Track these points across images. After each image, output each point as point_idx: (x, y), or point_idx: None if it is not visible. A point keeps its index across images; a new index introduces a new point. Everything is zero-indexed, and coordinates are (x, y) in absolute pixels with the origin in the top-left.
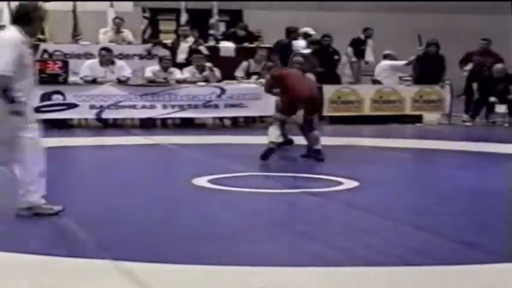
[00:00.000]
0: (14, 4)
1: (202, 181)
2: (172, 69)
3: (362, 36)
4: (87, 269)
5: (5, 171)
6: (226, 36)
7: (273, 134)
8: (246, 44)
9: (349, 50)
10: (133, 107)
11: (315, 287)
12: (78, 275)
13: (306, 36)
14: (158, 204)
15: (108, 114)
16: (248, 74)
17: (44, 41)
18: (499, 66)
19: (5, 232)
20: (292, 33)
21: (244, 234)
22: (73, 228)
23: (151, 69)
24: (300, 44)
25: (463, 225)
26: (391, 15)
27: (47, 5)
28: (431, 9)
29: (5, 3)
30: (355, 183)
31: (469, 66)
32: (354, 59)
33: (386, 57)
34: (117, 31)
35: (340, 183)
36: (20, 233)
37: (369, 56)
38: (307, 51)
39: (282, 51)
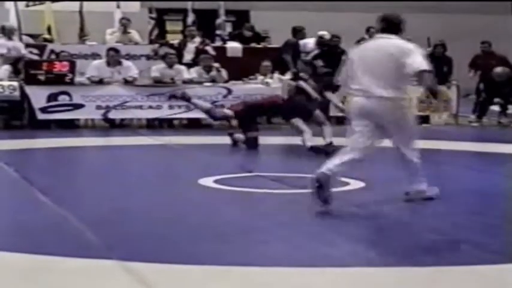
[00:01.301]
0: (20, 4)
1: (208, 181)
2: (178, 66)
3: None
4: (94, 269)
5: None
6: (233, 37)
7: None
8: (253, 45)
9: None
10: (140, 107)
11: (320, 287)
12: (85, 275)
13: (320, 39)
14: (164, 205)
15: (114, 115)
16: None
17: (51, 41)
18: (498, 70)
19: (12, 232)
20: (299, 32)
21: (251, 234)
22: (80, 228)
23: (157, 67)
24: (308, 44)
25: (469, 226)
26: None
27: (54, 6)
28: (439, 10)
29: (12, 3)
30: (361, 184)
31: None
32: None
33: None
34: (124, 31)
35: (347, 183)
36: (26, 233)
37: None
38: (316, 51)
39: (290, 51)
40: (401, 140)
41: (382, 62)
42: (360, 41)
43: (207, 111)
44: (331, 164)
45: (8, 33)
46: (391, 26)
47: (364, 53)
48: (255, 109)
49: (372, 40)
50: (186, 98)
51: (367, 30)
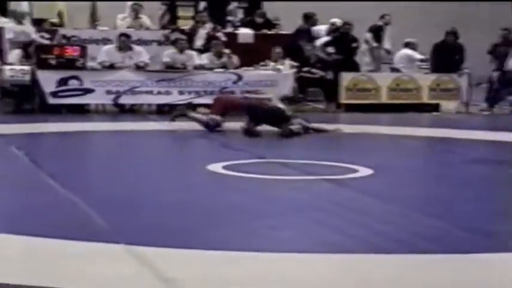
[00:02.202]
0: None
1: (217, 167)
2: (189, 51)
3: (380, 23)
4: (102, 253)
5: None
6: (245, 23)
7: None
8: (264, 31)
9: (368, 35)
10: (150, 92)
11: (327, 273)
12: (93, 259)
13: (332, 25)
14: (173, 190)
15: (124, 100)
16: None
17: (59, 25)
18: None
19: (21, 216)
20: (310, 18)
21: (259, 220)
22: (88, 212)
23: (168, 53)
24: (320, 31)
25: (477, 214)
26: (412, 3)
27: None
28: None
29: None
30: (370, 171)
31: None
32: (374, 44)
33: (407, 45)
34: (135, 17)
35: (356, 170)
36: (34, 217)
37: (387, 44)
38: (327, 38)
39: (301, 38)
40: None
41: None
42: (373, 28)
43: (205, 124)
44: None
45: (18, 17)
46: None
47: None
48: (231, 109)
49: None
50: (183, 114)
51: (382, 17)
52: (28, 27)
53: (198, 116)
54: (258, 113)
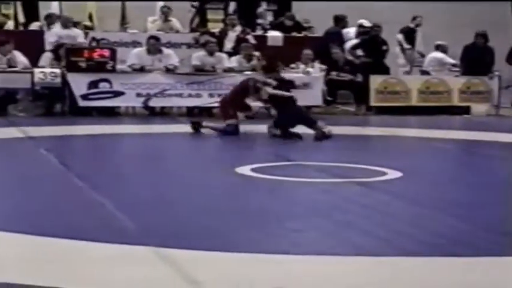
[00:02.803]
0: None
1: (245, 170)
2: (218, 54)
3: (411, 25)
4: (130, 255)
5: None
6: (274, 26)
7: None
8: (293, 34)
9: (400, 36)
10: (180, 95)
11: (354, 275)
12: (120, 261)
13: (360, 27)
14: (201, 192)
15: (154, 103)
16: None
17: (91, 28)
18: None
19: (50, 217)
20: (340, 21)
21: (286, 222)
22: (117, 214)
23: (198, 55)
24: (349, 34)
25: (506, 217)
26: (442, 5)
27: None
28: None
29: None
30: (398, 174)
31: None
32: (406, 45)
33: (437, 48)
34: (165, 20)
35: (384, 173)
36: (63, 219)
37: (420, 46)
38: (356, 41)
39: (331, 40)
40: None
41: None
42: (404, 30)
43: (223, 132)
44: None
45: (63, 21)
46: None
47: None
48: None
49: None
50: (198, 124)
51: (413, 18)
52: (75, 31)
53: (214, 124)
54: (287, 115)
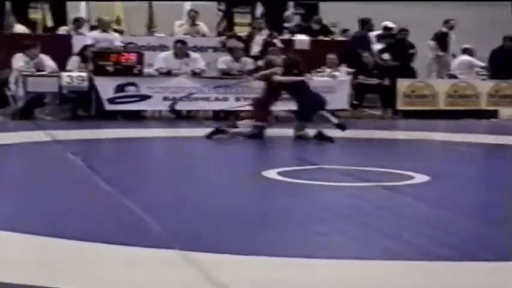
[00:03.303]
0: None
1: (271, 173)
2: (244, 58)
3: (444, 29)
4: (157, 258)
5: None
6: (301, 29)
7: None
8: (320, 37)
9: (432, 43)
10: (207, 99)
11: (380, 279)
12: (147, 265)
13: (385, 29)
14: (227, 196)
15: (181, 106)
16: None
17: (120, 32)
18: None
19: (76, 221)
20: (366, 24)
21: (311, 226)
22: (143, 218)
23: (224, 59)
24: (372, 37)
25: None
26: (470, 8)
27: None
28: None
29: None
30: (426, 178)
31: None
32: (440, 53)
33: (464, 51)
34: (192, 24)
35: (411, 177)
36: (90, 222)
37: (453, 49)
38: (383, 45)
39: (359, 44)
40: None
41: None
42: (438, 35)
43: (250, 135)
44: None
45: (101, 25)
46: None
47: None
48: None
49: None
50: (221, 131)
51: (446, 22)
52: (113, 34)
53: (239, 130)
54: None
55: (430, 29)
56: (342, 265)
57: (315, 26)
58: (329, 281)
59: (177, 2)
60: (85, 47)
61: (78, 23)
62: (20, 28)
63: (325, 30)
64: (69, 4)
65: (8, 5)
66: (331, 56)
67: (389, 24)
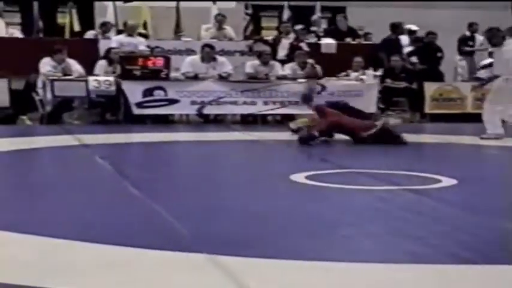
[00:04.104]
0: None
1: (299, 177)
2: (272, 62)
3: (468, 33)
4: (183, 262)
5: None
6: (328, 32)
7: None
8: (347, 41)
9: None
10: (235, 103)
11: (406, 283)
12: (173, 268)
13: (410, 33)
14: (255, 199)
15: (209, 110)
16: None
17: (146, 36)
18: None
19: (105, 225)
20: (397, 28)
21: (338, 229)
22: (171, 221)
23: (252, 63)
24: (404, 41)
25: None
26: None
27: (150, 2)
28: None
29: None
30: (453, 181)
31: None
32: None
33: (490, 55)
34: (219, 28)
35: (439, 180)
36: (118, 226)
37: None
38: (411, 48)
39: (389, 48)
40: None
41: None
42: (462, 38)
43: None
44: None
45: (128, 29)
46: None
47: None
48: (336, 127)
49: None
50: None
51: (470, 25)
52: (138, 39)
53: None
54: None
55: (455, 33)
56: (369, 269)
57: (342, 26)
58: (356, 284)
59: (204, 7)
60: (109, 50)
61: (105, 27)
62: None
63: (353, 33)
64: (96, 8)
65: (36, 9)
66: (358, 59)
67: (413, 27)
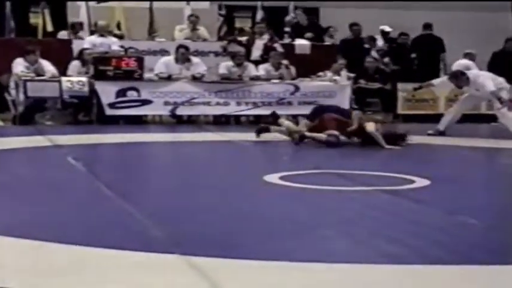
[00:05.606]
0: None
1: (273, 178)
2: (245, 63)
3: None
4: (158, 263)
5: None
6: (291, 27)
7: None
8: (308, 35)
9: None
10: (208, 103)
11: (382, 284)
12: (149, 270)
13: (383, 34)
14: (229, 200)
15: (182, 111)
16: None
17: (120, 37)
18: None
19: (77, 226)
20: (354, 28)
21: (315, 230)
22: (145, 223)
23: (225, 64)
24: (377, 42)
25: None
26: (471, 14)
27: (124, 2)
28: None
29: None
30: (426, 182)
31: None
32: None
33: (466, 55)
34: (193, 28)
35: (412, 181)
36: (92, 227)
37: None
38: (384, 49)
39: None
40: None
41: None
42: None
43: (326, 143)
44: None
45: (99, 30)
46: None
47: None
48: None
49: None
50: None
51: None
52: (110, 39)
53: (316, 135)
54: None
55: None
56: (344, 269)
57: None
58: (332, 285)
59: (177, 7)
60: (81, 51)
61: (75, 28)
62: None
63: (315, 28)
64: (69, 9)
65: (8, 9)
66: (341, 61)
67: (386, 28)
